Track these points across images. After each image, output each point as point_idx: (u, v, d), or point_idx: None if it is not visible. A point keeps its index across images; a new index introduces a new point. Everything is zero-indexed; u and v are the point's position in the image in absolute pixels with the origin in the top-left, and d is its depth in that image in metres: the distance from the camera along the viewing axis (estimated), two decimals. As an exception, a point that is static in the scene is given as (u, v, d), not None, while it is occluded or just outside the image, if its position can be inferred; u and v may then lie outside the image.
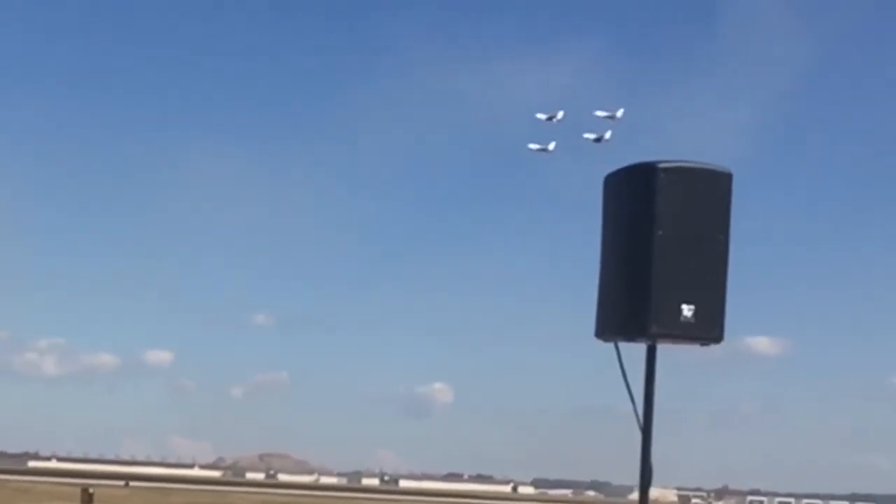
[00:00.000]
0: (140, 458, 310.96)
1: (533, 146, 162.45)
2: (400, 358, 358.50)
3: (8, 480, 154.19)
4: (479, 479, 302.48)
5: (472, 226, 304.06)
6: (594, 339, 9.03)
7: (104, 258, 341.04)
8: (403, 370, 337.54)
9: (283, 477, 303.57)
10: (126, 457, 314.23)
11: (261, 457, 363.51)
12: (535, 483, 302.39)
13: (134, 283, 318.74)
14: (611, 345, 8.97)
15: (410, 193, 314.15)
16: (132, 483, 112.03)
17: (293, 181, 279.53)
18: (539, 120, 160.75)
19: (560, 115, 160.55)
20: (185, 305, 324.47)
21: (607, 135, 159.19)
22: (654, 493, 9.09)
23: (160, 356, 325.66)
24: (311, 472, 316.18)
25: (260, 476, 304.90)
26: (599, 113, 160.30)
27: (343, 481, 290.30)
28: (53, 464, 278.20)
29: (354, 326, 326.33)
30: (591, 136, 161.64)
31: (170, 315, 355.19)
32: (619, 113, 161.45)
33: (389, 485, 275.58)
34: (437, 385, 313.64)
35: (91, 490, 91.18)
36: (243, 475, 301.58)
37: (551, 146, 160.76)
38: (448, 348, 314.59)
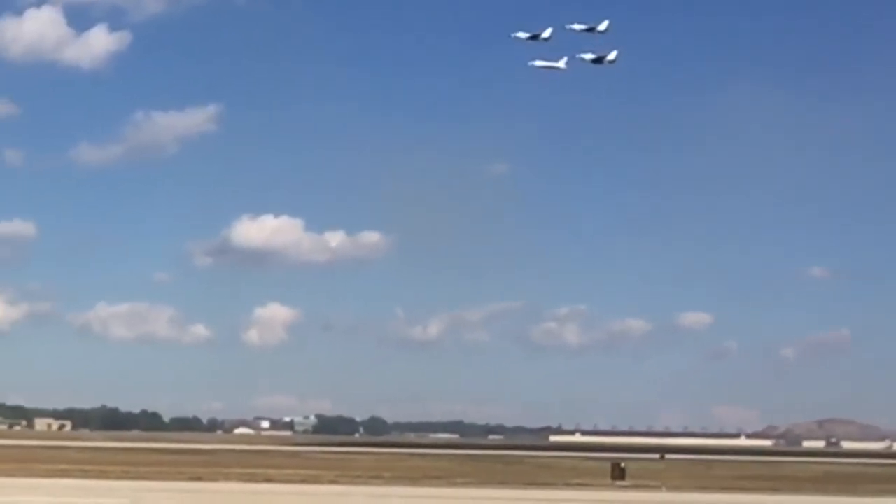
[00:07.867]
0: (676, 428, 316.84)
1: (539, 63, 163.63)
2: None
3: (529, 456, 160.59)
4: None
5: None
6: None
7: (628, 218, 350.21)
8: None
9: (846, 444, 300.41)
10: (660, 428, 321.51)
11: (819, 423, 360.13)
12: None
13: (663, 242, 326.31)
14: None
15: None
16: (668, 456, 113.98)
17: (845, 119, 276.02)
18: None
19: (547, 32, 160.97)
20: (723, 262, 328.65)
21: (611, 55, 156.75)
22: None
23: (697, 318, 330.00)
24: (881, 439, 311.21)
25: (819, 444, 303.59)
26: (577, 26, 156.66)
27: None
28: (577, 438, 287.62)
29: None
30: (589, 56, 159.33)
31: (706, 273, 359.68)
32: (603, 26, 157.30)
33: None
34: None
35: (623, 465, 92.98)
36: (799, 444, 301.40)
37: (561, 63, 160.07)
38: None
